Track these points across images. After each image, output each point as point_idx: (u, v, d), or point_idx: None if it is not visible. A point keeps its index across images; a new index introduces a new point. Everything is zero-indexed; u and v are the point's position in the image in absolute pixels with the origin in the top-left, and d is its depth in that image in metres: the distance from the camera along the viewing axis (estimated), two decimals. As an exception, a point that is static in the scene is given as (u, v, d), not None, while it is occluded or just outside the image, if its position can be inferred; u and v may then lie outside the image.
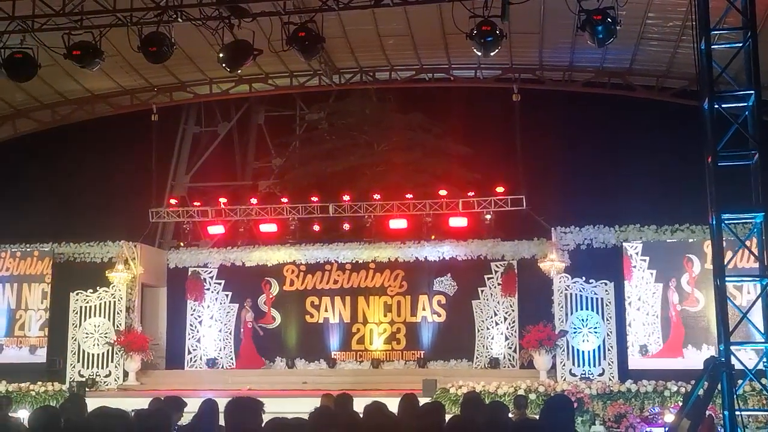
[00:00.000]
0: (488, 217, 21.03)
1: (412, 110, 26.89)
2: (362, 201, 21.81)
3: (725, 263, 10.06)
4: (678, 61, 19.09)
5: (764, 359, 10.05)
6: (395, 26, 18.57)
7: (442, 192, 21.53)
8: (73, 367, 20.08)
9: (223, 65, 13.09)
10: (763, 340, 10.02)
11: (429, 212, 21.29)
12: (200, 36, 14.90)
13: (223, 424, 6.06)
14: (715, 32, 10.97)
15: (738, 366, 9.80)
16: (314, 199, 22.12)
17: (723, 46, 11.20)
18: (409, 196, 21.65)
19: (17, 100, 21.66)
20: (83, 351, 20.18)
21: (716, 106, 10.37)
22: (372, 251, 21.57)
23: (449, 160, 26.16)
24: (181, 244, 23.47)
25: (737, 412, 9.46)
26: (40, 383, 18.91)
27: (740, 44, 10.73)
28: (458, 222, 21.22)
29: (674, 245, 18.62)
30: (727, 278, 9.94)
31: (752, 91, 10.42)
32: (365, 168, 26.72)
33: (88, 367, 20.07)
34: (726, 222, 10.19)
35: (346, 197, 21.85)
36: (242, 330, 21.40)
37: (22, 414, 14.09)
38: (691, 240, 18.52)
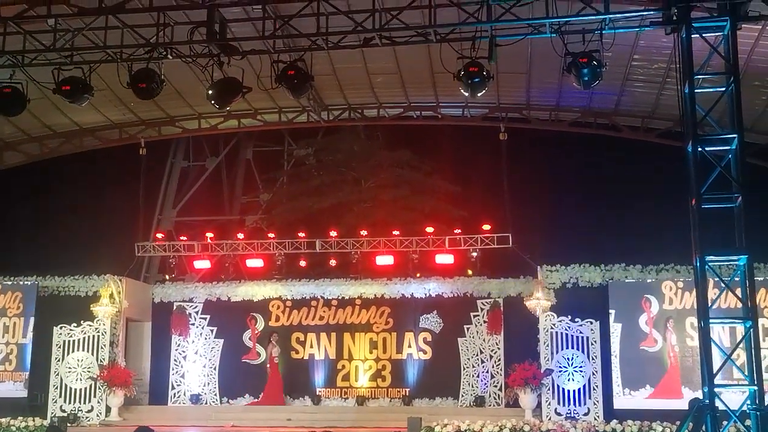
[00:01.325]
0: (474, 254, 21.10)
1: (399, 147, 27.05)
2: (349, 237, 21.84)
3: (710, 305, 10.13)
4: (663, 103, 19.34)
5: (748, 401, 10.07)
6: (384, 64, 18.76)
7: (429, 229, 21.58)
8: (55, 401, 19.85)
9: (212, 102, 13.21)
10: (747, 382, 10.05)
11: (416, 249, 21.34)
12: (190, 71, 15.01)
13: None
14: (699, 76, 11.18)
15: (722, 407, 9.84)
16: (301, 234, 22.12)
17: (706, 90, 11.40)
18: (396, 232, 21.70)
19: (5, 132, 21.67)
20: (65, 386, 19.97)
21: (700, 149, 10.53)
22: (358, 287, 21.52)
23: (436, 198, 26.27)
24: (167, 277, 23.37)
25: (722, 455, 9.47)
26: (21, 418, 18.66)
27: (723, 88, 10.92)
28: (445, 259, 21.27)
29: (633, 285, 18.67)
30: (711, 320, 10.00)
31: (735, 135, 10.58)
32: (352, 204, 26.79)
33: (70, 402, 19.82)
34: (710, 264, 10.28)
35: (333, 233, 21.87)
36: (269, 366, 21.04)
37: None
38: (649, 280, 18.62)
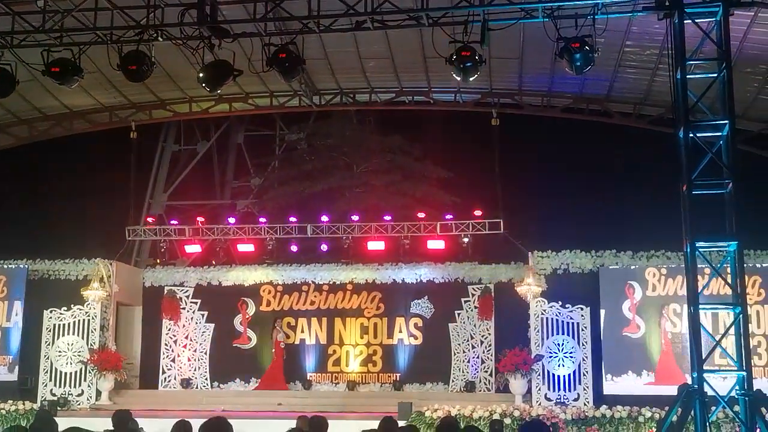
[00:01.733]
0: (465, 240, 21.12)
1: (391, 132, 26.99)
2: (340, 222, 21.82)
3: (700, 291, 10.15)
4: (655, 89, 19.33)
5: (736, 387, 10.11)
6: (376, 49, 18.67)
7: (421, 215, 21.57)
8: (45, 385, 19.82)
9: (203, 85, 13.10)
10: (736, 368, 10.09)
11: (407, 234, 21.34)
12: (181, 55, 14.93)
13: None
14: (691, 62, 11.16)
15: (711, 393, 9.89)
16: (292, 219, 22.09)
17: (699, 75, 11.38)
18: (387, 218, 21.68)
19: (-6, 114, 21.53)
20: (56, 369, 19.94)
21: (691, 135, 10.52)
22: (349, 273, 21.54)
23: (428, 183, 26.25)
24: (158, 261, 23.28)
25: (709, 440, 9.52)
26: (10, 402, 18.63)
27: (715, 74, 10.89)
28: (436, 245, 21.28)
29: (618, 272, 18.73)
30: (700, 306, 10.02)
31: (726, 121, 10.57)
32: (344, 189, 26.76)
33: (60, 386, 19.81)
34: (700, 250, 10.29)
35: (325, 218, 21.85)
36: (273, 350, 21.03)
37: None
38: (633, 267, 18.66)
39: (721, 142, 10.73)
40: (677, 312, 18.16)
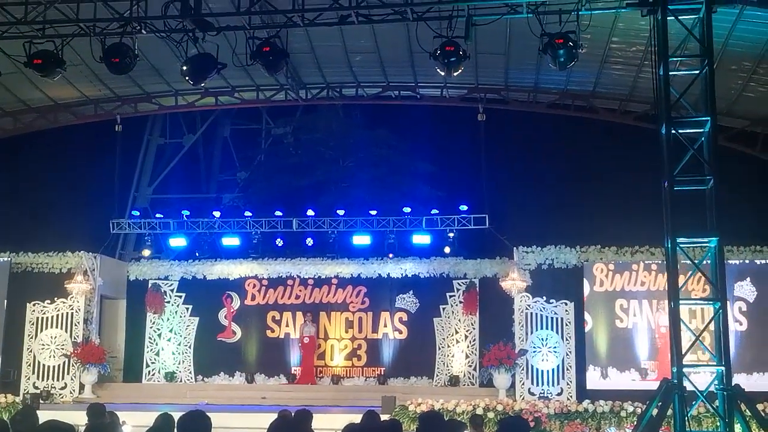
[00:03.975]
0: (451, 235, 21.15)
1: (378, 127, 27.00)
2: (326, 216, 21.81)
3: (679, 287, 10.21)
4: (640, 86, 19.39)
5: (715, 382, 10.18)
6: (362, 43, 18.65)
7: (407, 209, 21.59)
8: (28, 378, 19.76)
9: (186, 78, 13.10)
10: (714, 363, 10.16)
11: (392, 229, 21.36)
12: (167, 47, 14.85)
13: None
14: (675, 59, 11.20)
15: (691, 388, 9.95)
16: (278, 213, 22.05)
17: (682, 72, 11.43)
18: (373, 212, 21.68)
19: (-22, 107, 21.39)
20: (39, 362, 19.87)
21: (673, 132, 10.56)
22: (335, 267, 21.54)
23: (414, 178, 26.28)
24: (147, 251, 22.98)
25: (689, 434, 9.58)
26: (-8, 395, 18.55)
27: (698, 71, 10.94)
28: (421, 239, 21.30)
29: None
30: (681, 302, 10.09)
31: (708, 118, 10.62)
32: (330, 183, 26.75)
33: (43, 379, 19.76)
34: (681, 245, 10.35)
35: (311, 212, 21.82)
36: (300, 345, 21.03)
37: (-27, 426, 13.82)
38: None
39: (703, 138, 10.78)
40: (623, 307, 18.69)
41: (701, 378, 10.67)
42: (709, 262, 10.61)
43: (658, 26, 10.91)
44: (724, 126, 19.60)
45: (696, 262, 10.66)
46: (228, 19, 13.15)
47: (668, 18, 11.04)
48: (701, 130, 10.79)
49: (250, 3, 12.80)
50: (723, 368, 9.96)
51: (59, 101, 21.77)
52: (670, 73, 10.94)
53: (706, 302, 11.28)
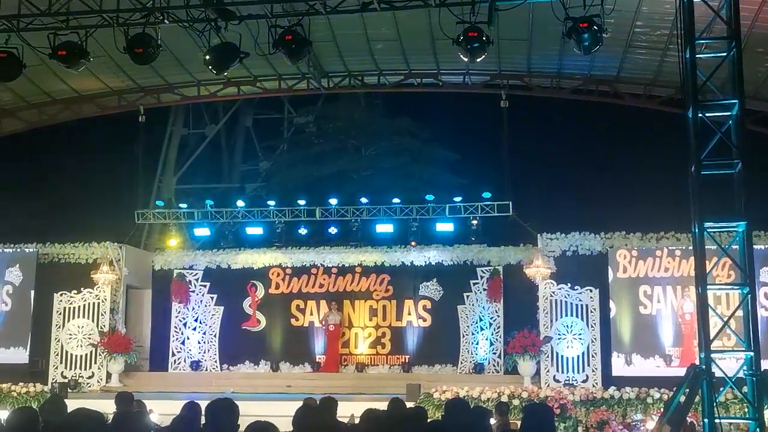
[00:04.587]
0: (474, 222, 21.07)
1: (400, 115, 26.96)
2: (349, 205, 21.80)
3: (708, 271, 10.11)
4: (665, 70, 19.18)
5: (744, 367, 10.08)
6: (384, 31, 18.59)
7: (429, 197, 21.54)
8: (56, 368, 19.97)
9: (209, 67, 13.11)
10: (743, 348, 10.06)
11: (416, 217, 21.32)
12: (188, 37, 14.89)
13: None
14: (701, 42, 11.06)
15: (719, 374, 9.87)
16: (301, 202, 22.08)
17: (708, 55, 11.28)
18: (396, 200, 21.65)
19: (3, 99, 21.54)
20: (66, 352, 20.08)
21: (700, 115, 10.44)
22: (358, 255, 21.53)
23: (436, 165, 26.22)
24: (173, 239, 23.05)
25: (717, 420, 9.50)
26: (21, 384, 18.78)
27: (725, 54, 10.80)
28: (445, 227, 21.25)
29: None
30: (708, 287, 9.99)
31: (736, 101, 10.48)
32: (352, 172, 26.77)
33: (70, 369, 19.96)
34: (708, 230, 10.24)
35: (333, 201, 21.83)
36: (326, 333, 21.08)
37: (2, 415, 13.99)
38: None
39: (730, 122, 10.64)
40: (647, 293, 18.53)
41: (727, 364, 10.55)
42: (737, 246, 10.49)
43: (684, 8, 10.76)
44: (751, 109, 19.34)
45: (724, 247, 10.54)
46: (250, 8, 13.14)
47: (694, 0, 10.89)
48: (728, 114, 10.64)
49: (271, -9, 12.79)
50: (752, 354, 9.86)
51: (83, 93, 21.90)
52: (696, 56, 10.80)
53: (734, 287, 11.16)
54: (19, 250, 20.88)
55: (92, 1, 13.07)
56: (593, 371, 18.31)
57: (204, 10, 12.74)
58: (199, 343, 21.57)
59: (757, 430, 9.81)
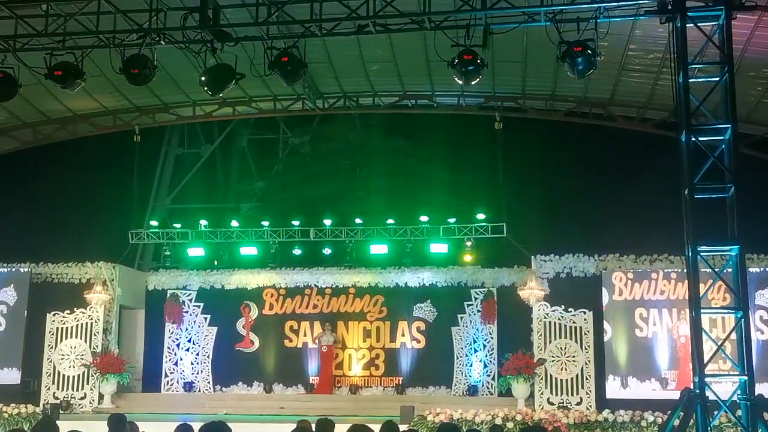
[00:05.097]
0: (468, 243, 21.10)
1: (395, 136, 27.02)
2: (343, 226, 21.81)
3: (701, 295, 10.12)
4: (659, 93, 19.28)
5: (738, 391, 10.07)
6: (379, 52, 18.66)
7: (424, 218, 21.56)
8: (48, 389, 19.85)
9: (205, 88, 13.14)
10: (737, 372, 10.06)
11: (410, 238, 21.33)
12: (185, 58, 14.92)
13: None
14: (694, 66, 11.15)
15: (713, 398, 9.86)
16: (295, 222, 22.08)
17: (701, 79, 11.37)
18: (390, 221, 21.66)
19: (-2, 118, 21.56)
20: (58, 373, 19.96)
21: (693, 139, 10.50)
22: (352, 276, 21.52)
23: (431, 186, 26.25)
24: (167, 254, 22.96)
25: (711, 444, 9.48)
26: (13, 405, 18.65)
27: (718, 78, 10.88)
28: (439, 248, 21.26)
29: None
30: (702, 310, 10.00)
31: (729, 125, 10.55)
32: (347, 192, 26.78)
33: (63, 389, 19.84)
34: (702, 254, 10.26)
35: (328, 222, 21.83)
36: (319, 354, 21.01)
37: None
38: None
39: (723, 146, 10.70)
40: (643, 316, 18.57)
41: (721, 387, 10.55)
42: (730, 270, 10.51)
43: (677, 33, 10.86)
44: (743, 133, 19.42)
45: (717, 270, 10.57)
46: (246, 30, 13.19)
47: (687, 25, 10.98)
48: (721, 138, 10.72)
49: (268, 13, 12.84)
50: (746, 378, 9.86)
51: (78, 112, 21.92)
52: (689, 80, 10.88)
53: (728, 311, 11.17)
54: (14, 269, 20.80)
55: (89, 22, 13.08)
56: (587, 393, 18.27)
57: (200, 31, 12.77)
58: (192, 364, 21.49)
59: (752, 454, 9.79)
